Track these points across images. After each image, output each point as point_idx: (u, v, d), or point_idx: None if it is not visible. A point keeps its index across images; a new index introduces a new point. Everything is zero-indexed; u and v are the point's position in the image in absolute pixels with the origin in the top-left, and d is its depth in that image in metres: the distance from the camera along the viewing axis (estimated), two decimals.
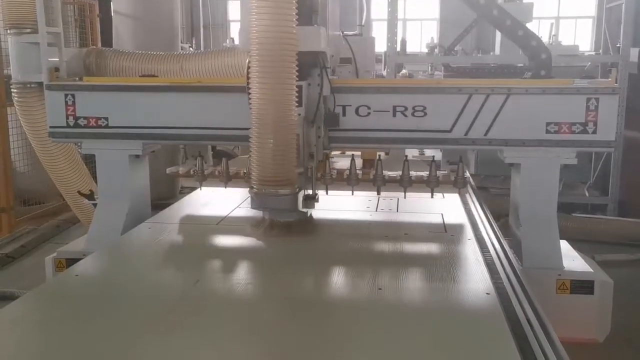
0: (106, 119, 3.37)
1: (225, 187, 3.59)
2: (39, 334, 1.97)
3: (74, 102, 3.37)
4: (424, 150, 6.53)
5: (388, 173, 3.39)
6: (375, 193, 3.43)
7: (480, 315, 2.10)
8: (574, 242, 3.48)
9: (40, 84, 3.64)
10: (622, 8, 6.97)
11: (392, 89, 3.20)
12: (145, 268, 2.63)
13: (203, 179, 3.57)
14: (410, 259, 2.75)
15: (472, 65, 7.99)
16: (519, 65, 7.43)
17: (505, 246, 2.98)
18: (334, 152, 4.14)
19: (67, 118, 3.39)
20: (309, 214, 3.21)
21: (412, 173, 3.38)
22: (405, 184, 3.36)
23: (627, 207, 7.04)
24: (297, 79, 2.80)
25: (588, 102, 3.03)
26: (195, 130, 3.34)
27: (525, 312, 2.17)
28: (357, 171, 3.37)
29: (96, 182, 3.61)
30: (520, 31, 3.18)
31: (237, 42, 10.58)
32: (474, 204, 3.71)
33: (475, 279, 2.40)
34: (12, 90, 4.12)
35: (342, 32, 3.75)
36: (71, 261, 3.03)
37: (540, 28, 12.81)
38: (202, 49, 14.97)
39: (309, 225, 3.17)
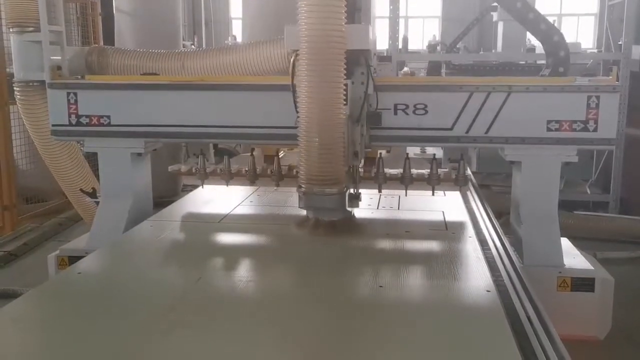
0: (108, 117, 3.38)
1: (227, 185, 3.60)
2: (42, 331, 1.99)
3: (76, 101, 3.38)
4: (425, 148, 6.53)
5: (389, 171, 3.40)
6: (377, 191, 3.44)
7: (481, 313, 2.11)
8: (575, 240, 3.48)
9: (42, 82, 3.65)
10: (624, 5, 6.95)
11: (393, 87, 3.21)
12: (147, 266, 2.64)
13: (205, 177, 3.58)
14: (411, 257, 2.76)
15: (474, 63, 7.98)
16: (521, 62, 7.42)
17: (506, 244, 2.98)
18: None
19: (70, 116, 3.39)
20: (352, 213, 3.19)
21: (414, 171, 3.39)
22: (407, 181, 3.37)
23: (629, 205, 7.04)
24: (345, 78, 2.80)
25: (589, 100, 3.03)
26: (197, 129, 3.35)
27: (525, 309, 2.17)
28: (359, 169, 3.37)
29: (98, 180, 3.63)
30: (543, 25, 3.17)
31: (239, 39, 10.55)
32: (475, 201, 3.71)
33: (475, 276, 2.41)
34: (14, 88, 4.13)
35: None
36: (73, 259, 3.05)
37: None
38: (204, 46, 14.96)
39: (351, 224, 3.13)
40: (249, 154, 3.56)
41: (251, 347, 1.82)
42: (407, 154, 3.46)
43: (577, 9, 16.44)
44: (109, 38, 7.34)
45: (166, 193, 6.01)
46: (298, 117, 2.89)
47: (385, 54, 7.19)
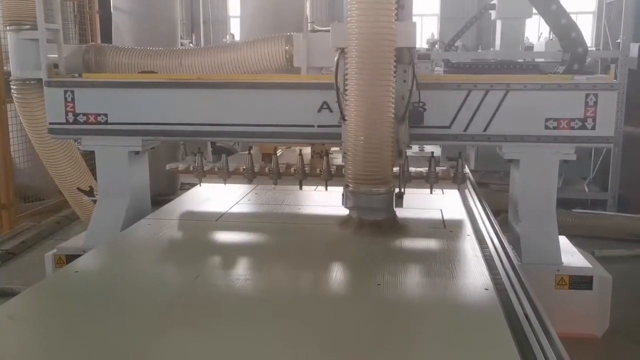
0: (105, 115, 3.37)
1: (225, 183, 3.59)
2: (39, 330, 1.98)
3: (73, 99, 3.37)
4: (424, 145, 6.53)
5: None
6: None
7: (479, 311, 2.10)
8: (574, 238, 3.48)
9: (39, 80, 3.64)
10: (622, 3, 6.95)
11: None
12: (144, 264, 2.64)
13: (203, 175, 3.58)
14: (409, 255, 2.75)
15: (472, 61, 7.97)
16: (519, 61, 7.42)
17: (504, 242, 2.98)
18: (333, 148, 4.14)
19: (67, 114, 3.39)
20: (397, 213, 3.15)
21: (412, 169, 3.39)
22: (405, 179, 3.36)
23: (627, 203, 7.04)
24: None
25: (587, 97, 3.03)
26: (195, 127, 3.34)
27: (523, 307, 2.17)
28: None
29: (96, 178, 3.62)
30: (563, 19, 3.14)
31: (237, 38, 10.51)
32: (473, 199, 3.71)
33: (473, 274, 2.41)
34: (11, 86, 4.12)
35: None
36: (71, 257, 3.04)
37: (540, 23, 12.79)
38: (202, 44, 14.94)
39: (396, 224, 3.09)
40: (247, 152, 3.55)
41: (249, 344, 1.82)
42: (405, 152, 3.45)
43: (575, 7, 16.44)
44: (107, 36, 7.33)
45: (164, 191, 6.00)
46: (343, 116, 2.86)
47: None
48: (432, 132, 3.18)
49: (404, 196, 3.48)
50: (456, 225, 3.13)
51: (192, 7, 16.85)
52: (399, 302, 2.18)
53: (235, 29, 16.34)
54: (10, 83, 4.10)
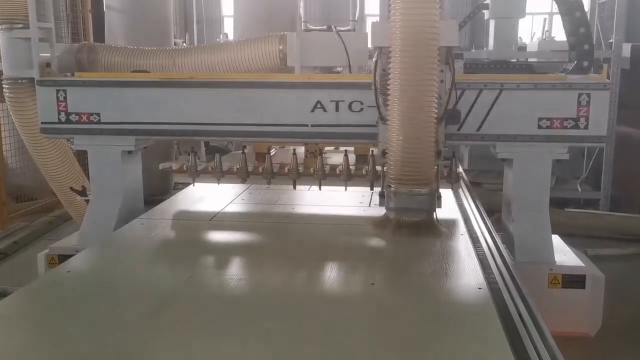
0: (98, 114, 3.35)
1: (219, 183, 3.58)
2: (31, 330, 1.97)
3: (65, 98, 3.35)
4: None
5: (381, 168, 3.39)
6: (369, 188, 3.43)
7: (473, 310, 2.11)
8: (566, 237, 3.49)
9: (31, 79, 3.62)
10: (614, 3, 6.99)
11: None
12: (137, 264, 2.63)
13: (196, 174, 3.56)
14: (403, 254, 2.75)
15: (465, 61, 7.98)
16: (513, 60, 7.44)
17: (497, 241, 2.98)
18: (327, 148, 4.14)
19: (59, 114, 3.37)
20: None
21: None
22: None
23: (619, 202, 7.08)
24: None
25: (580, 97, 3.04)
26: (188, 126, 3.33)
27: (517, 306, 2.18)
28: (351, 166, 3.37)
29: (88, 178, 3.60)
30: (577, 12, 3.12)
31: (231, 37, 10.52)
32: (466, 199, 3.72)
33: (467, 273, 2.41)
34: (3, 85, 4.09)
35: (335, 28, 3.75)
36: (63, 257, 3.03)
37: (533, 23, 12.83)
38: (195, 44, 14.92)
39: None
40: (241, 151, 3.55)
41: (242, 344, 1.81)
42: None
43: None
44: (99, 35, 7.31)
45: (157, 191, 6.00)
46: (382, 116, 2.85)
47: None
48: None
49: None
50: (450, 225, 3.13)
51: (186, 6, 16.80)
52: (392, 301, 2.18)
53: (228, 28, 16.30)
54: (2, 82, 4.07)
